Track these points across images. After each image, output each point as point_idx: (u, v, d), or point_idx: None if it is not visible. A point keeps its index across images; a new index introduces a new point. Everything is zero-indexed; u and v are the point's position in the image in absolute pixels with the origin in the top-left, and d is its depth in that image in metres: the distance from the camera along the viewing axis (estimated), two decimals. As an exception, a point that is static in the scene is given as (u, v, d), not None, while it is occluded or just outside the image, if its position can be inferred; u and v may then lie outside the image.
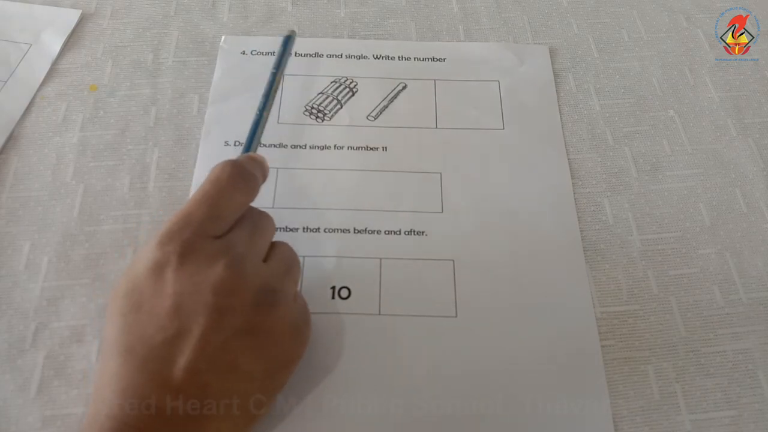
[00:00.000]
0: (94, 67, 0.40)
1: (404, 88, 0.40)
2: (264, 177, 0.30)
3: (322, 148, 0.37)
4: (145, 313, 0.24)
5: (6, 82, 0.39)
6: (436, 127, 0.38)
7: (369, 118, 0.38)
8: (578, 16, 0.44)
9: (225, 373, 0.24)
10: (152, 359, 0.23)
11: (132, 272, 0.25)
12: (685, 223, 0.35)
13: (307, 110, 0.38)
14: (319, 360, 0.30)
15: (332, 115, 0.38)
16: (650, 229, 0.35)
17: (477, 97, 0.39)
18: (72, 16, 0.42)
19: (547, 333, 0.31)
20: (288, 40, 0.36)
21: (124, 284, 0.25)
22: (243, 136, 0.37)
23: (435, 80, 0.40)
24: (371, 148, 0.37)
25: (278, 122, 0.38)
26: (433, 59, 0.41)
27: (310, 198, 0.35)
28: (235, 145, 0.37)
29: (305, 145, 0.37)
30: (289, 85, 0.39)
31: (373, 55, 0.41)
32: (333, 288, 0.32)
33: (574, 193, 0.36)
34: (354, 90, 0.39)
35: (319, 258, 0.33)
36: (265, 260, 0.27)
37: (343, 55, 0.41)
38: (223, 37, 0.41)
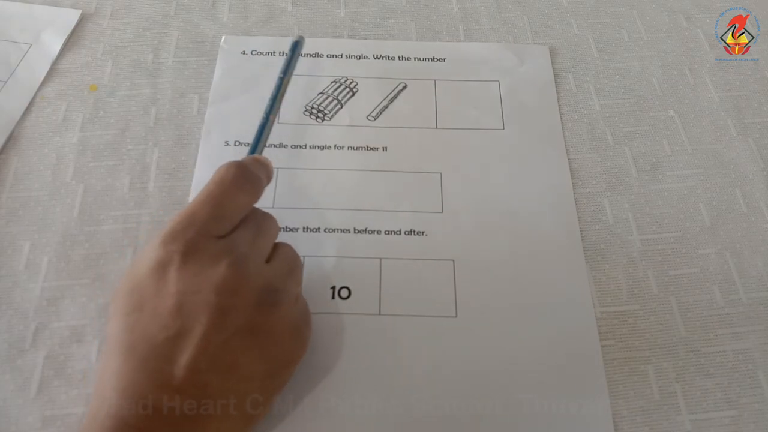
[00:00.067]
0: (94, 67, 0.40)
1: (404, 88, 0.40)
2: (268, 179, 0.30)
3: (323, 148, 0.37)
4: (148, 312, 0.24)
5: (6, 82, 0.39)
6: (436, 127, 0.38)
7: (369, 118, 0.38)
8: (578, 16, 0.44)
9: (226, 372, 0.24)
10: (153, 358, 0.23)
11: (135, 271, 0.25)
12: (685, 223, 0.35)
13: (307, 110, 0.38)
14: (319, 360, 0.29)
15: (332, 115, 0.38)
16: (650, 229, 0.35)
17: (477, 97, 0.39)
18: (72, 16, 0.42)
19: (547, 333, 0.31)
20: (296, 46, 0.36)
21: (127, 283, 0.25)
22: (243, 136, 0.37)
23: (435, 80, 0.40)
24: (371, 148, 0.37)
25: (278, 122, 0.37)
26: (433, 59, 0.41)
27: (311, 198, 0.35)
28: (235, 145, 0.37)
29: (305, 145, 0.37)
30: (289, 85, 0.39)
31: (373, 55, 0.41)
32: (333, 288, 0.32)
33: (574, 193, 0.36)
34: (354, 90, 0.39)
35: (319, 258, 0.33)
36: (267, 261, 0.27)
37: (343, 55, 0.41)
38: (223, 37, 0.41)
